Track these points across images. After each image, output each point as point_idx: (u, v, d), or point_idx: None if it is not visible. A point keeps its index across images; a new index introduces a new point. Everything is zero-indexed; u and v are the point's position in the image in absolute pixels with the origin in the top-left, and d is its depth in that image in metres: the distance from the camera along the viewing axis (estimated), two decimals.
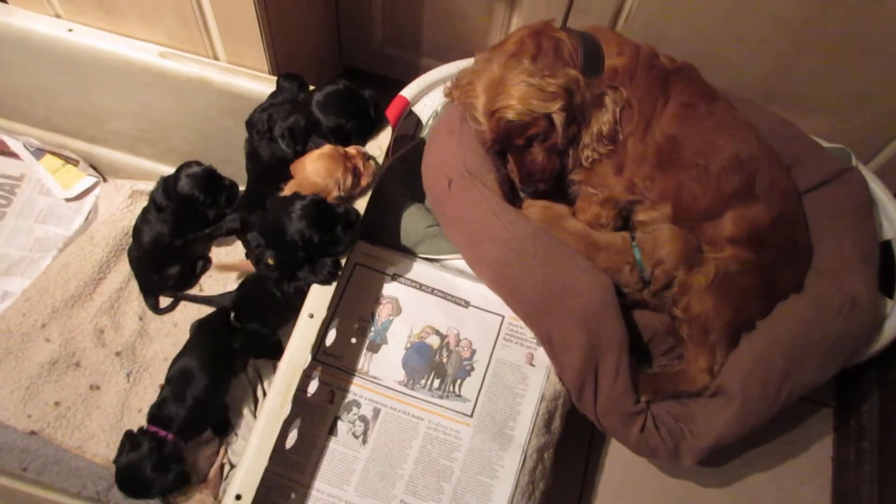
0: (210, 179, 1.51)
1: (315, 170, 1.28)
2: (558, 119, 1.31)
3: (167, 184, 1.53)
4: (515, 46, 1.37)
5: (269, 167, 1.42)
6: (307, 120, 1.33)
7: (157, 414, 1.37)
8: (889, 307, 1.47)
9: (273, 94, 1.43)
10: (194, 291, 1.68)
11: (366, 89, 1.38)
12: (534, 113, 1.30)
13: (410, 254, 1.49)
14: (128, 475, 1.31)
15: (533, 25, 1.40)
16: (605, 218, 1.43)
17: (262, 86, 1.46)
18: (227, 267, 1.64)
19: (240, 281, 1.59)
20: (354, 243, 1.33)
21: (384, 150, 1.40)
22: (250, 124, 1.41)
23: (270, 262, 1.28)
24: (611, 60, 1.37)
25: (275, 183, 1.39)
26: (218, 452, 1.46)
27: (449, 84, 1.49)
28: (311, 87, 1.40)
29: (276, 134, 1.36)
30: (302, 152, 1.34)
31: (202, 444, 1.46)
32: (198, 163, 1.53)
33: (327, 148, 1.30)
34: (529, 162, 1.39)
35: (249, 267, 1.56)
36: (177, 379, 1.39)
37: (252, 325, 1.47)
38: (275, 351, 1.51)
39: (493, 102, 1.30)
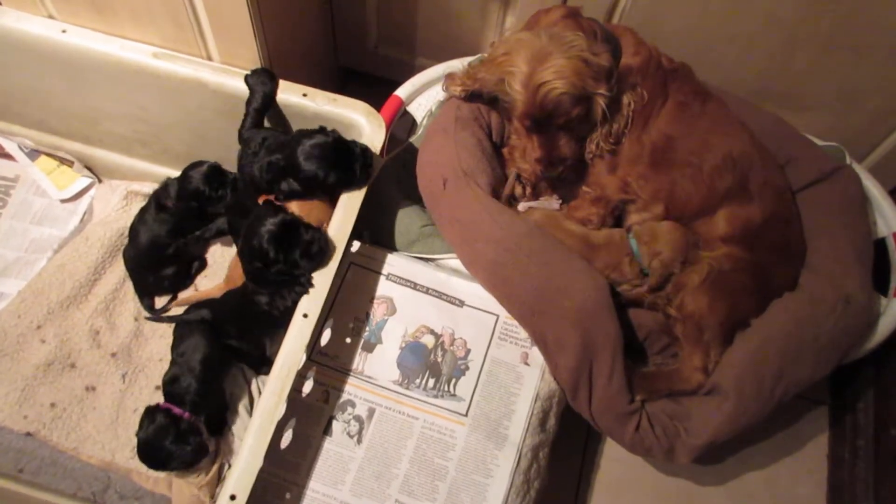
0: (215, 174, 1.53)
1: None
2: (602, 102, 1.29)
3: (178, 184, 1.55)
4: (559, 24, 1.33)
5: (252, 179, 1.42)
6: (287, 161, 1.32)
7: (170, 390, 1.39)
8: (883, 305, 1.48)
9: (249, 100, 1.43)
10: (189, 292, 1.68)
11: (359, 144, 1.34)
12: (586, 91, 1.27)
13: (405, 253, 1.49)
14: (149, 448, 1.34)
15: (566, 7, 1.39)
16: (597, 216, 1.43)
17: None
18: (187, 301, 1.62)
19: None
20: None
21: (378, 149, 1.39)
22: (243, 139, 1.42)
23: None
24: (626, 59, 1.36)
25: (256, 195, 1.42)
26: (215, 452, 1.46)
27: (447, 78, 1.49)
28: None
29: (256, 163, 1.36)
30: (269, 190, 1.35)
31: None
32: (202, 162, 1.55)
33: None
34: (563, 145, 1.36)
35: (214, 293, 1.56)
36: (188, 351, 1.40)
37: (232, 342, 1.45)
38: (261, 363, 1.52)
39: (539, 74, 1.25)
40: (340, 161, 1.31)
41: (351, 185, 1.35)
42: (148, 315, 1.63)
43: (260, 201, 1.42)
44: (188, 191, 1.53)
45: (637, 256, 1.40)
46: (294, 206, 1.36)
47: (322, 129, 1.33)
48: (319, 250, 1.25)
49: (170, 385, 1.39)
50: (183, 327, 1.46)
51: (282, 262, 1.24)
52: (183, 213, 1.58)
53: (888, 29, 1.42)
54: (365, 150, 1.33)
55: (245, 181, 1.46)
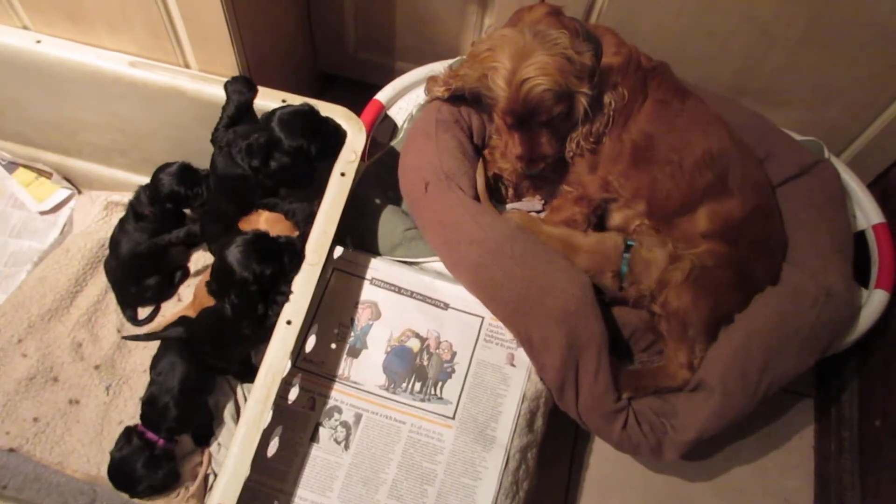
0: (187, 172, 1.53)
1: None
2: (584, 101, 1.29)
3: (150, 189, 1.53)
4: (542, 22, 1.33)
5: (222, 180, 1.42)
6: (268, 138, 1.32)
7: (146, 413, 1.38)
8: (865, 297, 1.49)
9: (225, 106, 1.42)
10: (172, 302, 1.66)
11: (329, 116, 1.38)
12: (569, 89, 1.27)
13: (388, 257, 1.48)
14: (119, 469, 1.34)
15: (549, 5, 1.39)
16: (580, 216, 1.44)
17: None
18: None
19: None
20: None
21: (359, 154, 1.39)
22: (215, 142, 1.41)
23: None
24: (607, 58, 1.37)
25: (228, 197, 1.41)
26: (202, 462, 1.45)
27: (429, 81, 1.49)
28: (282, 103, 1.40)
29: (233, 151, 1.35)
30: (259, 169, 1.34)
31: (187, 454, 1.45)
32: (170, 163, 1.54)
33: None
34: (544, 143, 1.36)
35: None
36: (164, 370, 1.39)
37: (210, 361, 1.43)
38: (245, 375, 1.51)
39: (522, 71, 1.24)
40: (318, 129, 1.34)
41: (328, 157, 1.36)
42: (126, 335, 1.60)
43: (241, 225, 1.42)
44: (162, 194, 1.51)
45: (622, 275, 1.41)
46: (263, 225, 1.36)
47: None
48: (300, 248, 1.27)
49: (147, 406, 1.38)
50: (161, 345, 1.45)
51: (277, 274, 1.23)
52: (161, 219, 1.56)
53: (861, 24, 1.43)
54: (335, 122, 1.39)
55: (217, 183, 1.45)
